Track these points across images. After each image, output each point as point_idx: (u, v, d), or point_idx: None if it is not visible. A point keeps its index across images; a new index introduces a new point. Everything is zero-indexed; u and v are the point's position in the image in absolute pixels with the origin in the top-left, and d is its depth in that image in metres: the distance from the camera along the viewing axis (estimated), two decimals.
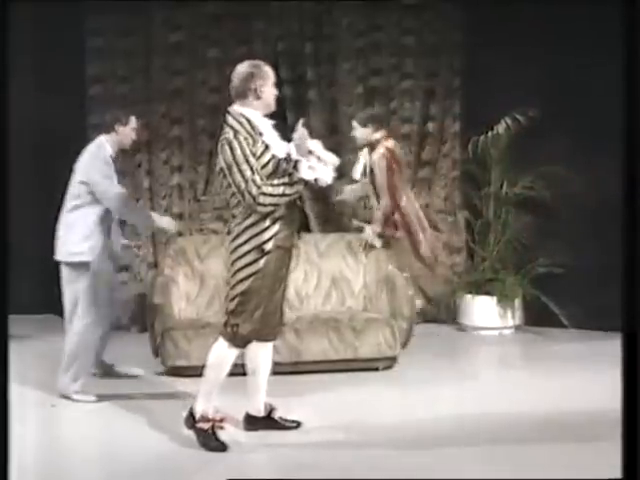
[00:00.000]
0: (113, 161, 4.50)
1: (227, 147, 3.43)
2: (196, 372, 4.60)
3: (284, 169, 3.42)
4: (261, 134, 3.48)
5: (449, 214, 6.50)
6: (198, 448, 3.57)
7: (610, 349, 4.07)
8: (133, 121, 4.60)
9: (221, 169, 3.47)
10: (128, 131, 4.56)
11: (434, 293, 6.37)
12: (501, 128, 6.05)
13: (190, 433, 3.62)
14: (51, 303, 5.72)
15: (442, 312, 6.30)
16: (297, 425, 3.85)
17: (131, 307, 6.24)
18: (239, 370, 3.75)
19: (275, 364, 4.66)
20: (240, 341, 3.55)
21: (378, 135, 5.10)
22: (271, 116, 3.57)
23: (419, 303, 5.59)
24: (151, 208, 6.31)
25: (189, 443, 3.63)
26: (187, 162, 6.37)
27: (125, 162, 6.22)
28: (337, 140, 6.38)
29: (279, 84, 6.15)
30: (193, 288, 5.26)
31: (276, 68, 6.26)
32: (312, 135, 5.76)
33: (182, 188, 6.37)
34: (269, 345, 3.75)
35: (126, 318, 6.26)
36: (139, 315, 5.95)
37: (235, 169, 3.38)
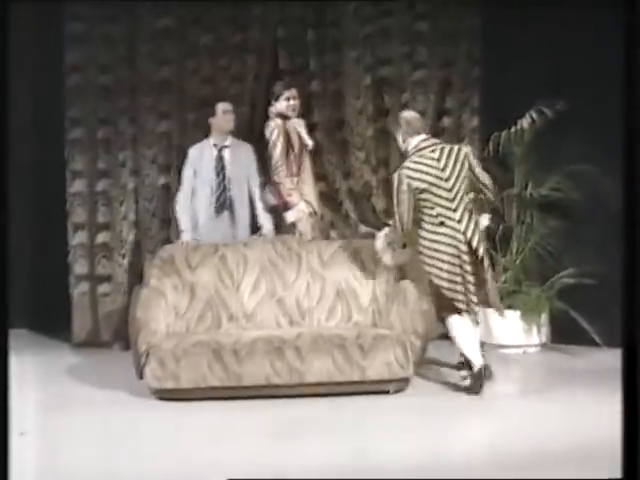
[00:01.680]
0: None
1: None
2: (186, 396, 4.60)
3: None
4: None
5: None
6: None
7: None
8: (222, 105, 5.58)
9: None
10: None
11: None
12: (525, 123, 6.03)
13: None
14: (24, 317, 5.67)
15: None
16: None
17: (114, 322, 6.23)
18: None
19: (273, 387, 4.66)
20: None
21: None
22: None
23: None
24: (136, 212, 6.29)
25: None
26: (176, 161, 6.31)
27: (108, 160, 6.22)
28: (343, 137, 6.33)
29: (278, 75, 6.30)
30: (182, 301, 5.23)
31: (275, 57, 6.33)
32: (315, 131, 5.73)
33: (170, 189, 6.32)
34: None
35: (108, 334, 6.26)
36: (123, 331, 5.88)
37: None
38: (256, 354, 4.68)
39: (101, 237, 6.34)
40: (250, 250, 5.39)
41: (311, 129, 6.00)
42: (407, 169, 4.82)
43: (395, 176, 4.86)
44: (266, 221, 5.68)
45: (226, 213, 5.65)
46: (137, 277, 6.21)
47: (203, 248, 5.39)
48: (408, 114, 5.08)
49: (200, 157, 5.67)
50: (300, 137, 5.68)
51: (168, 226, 6.30)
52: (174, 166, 6.30)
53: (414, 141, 4.90)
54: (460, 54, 6.43)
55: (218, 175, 5.64)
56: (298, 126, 5.70)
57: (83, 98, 6.23)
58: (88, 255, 6.34)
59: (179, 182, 5.77)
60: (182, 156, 6.25)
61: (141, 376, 4.75)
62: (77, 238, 6.32)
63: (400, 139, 4.99)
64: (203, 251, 5.37)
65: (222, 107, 5.67)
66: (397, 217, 4.85)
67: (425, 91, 6.44)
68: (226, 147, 5.69)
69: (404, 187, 4.77)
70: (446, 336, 6.17)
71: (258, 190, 5.71)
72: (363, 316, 5.29)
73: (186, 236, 5.58)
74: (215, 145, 5.69)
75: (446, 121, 6.46)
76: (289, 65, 6.34)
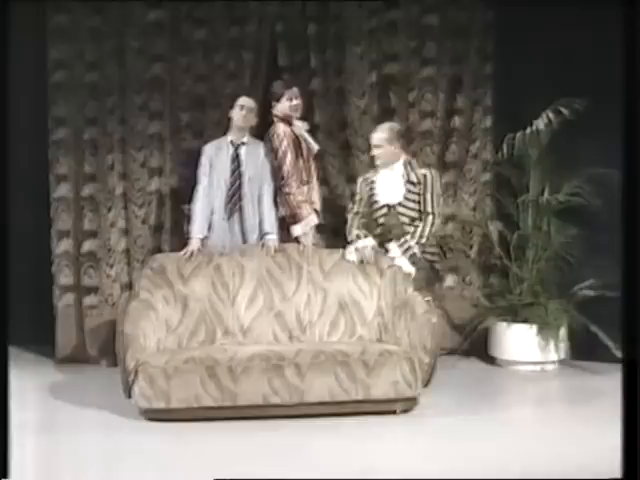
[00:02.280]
0: None
1: None
2: (177, 416, 4.58)
3: None
4: None
5: (479, 226, 6.47)
6: None
7: None
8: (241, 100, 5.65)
9: None
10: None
11: (462, 320, 6.35)
12: (541, 123, 6.01)
13: None
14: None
15: (471, 343, 6.25)
16: None
17: (101, 336, 6.20)
18: None
19: (271, 407, 4.65)
20: None
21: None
22: None
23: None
24: (125, 218, 6.27)
25: None
26: (168, 164, 6.32)
27: (95, 163, 6.20)
28: (346, 138, 6.34)
29: (277, 72, 6.29)
30: (174, 314, 5.23)
31: (274, 54, 6.32)
32: (317, 133, 5.72)
33: (162, 195, 6.31)
34: None
35: (95, 349, 6.23)
36: (110, 346, 5.84)
37: None
38: (253, 371, 4.66)
39: (87, 245, 6.29)
40: (247, 260, 5.39)
41: (312, 130, 6.00)
42: None
43: (433, 173, 5.66)
44: (270, 229, 5.61)
45: (237, 216, 5.62)
46: (126, 288, 6.22)
47: (197, 258, 5.39)
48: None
49: (216, 154, 5.65)
50: (306, 142, 5.67)
51: (159, 234, 6.29)
52: (166, 170, 6.30)
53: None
54: (472, 49, 6.41)
55: (233, 174, 5.62)
56: (301, 129, 5.70)
57: (68, 96, 6.20)
58: (73, 265, 6.30)
59: (191, 181, 5.74)
60: (174, 159, 6.30)
61: (129, 395, 4.74)
62: (61, 246, 6.29)
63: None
64: (197, 261, 5.37)
65: (240, 102, 5.65)
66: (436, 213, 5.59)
67: (434, 89, 6.43)
68: (243, 144, 5.66)
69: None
70: (456, 351, 6.23)
71: (268, 195, 5.65)
72: (368, 330, 5.29)
73: (195, 244, 5.50)
74: (232, 142, 5.67)
75: (457, 121, 6.44)
76: (288, 62, 6.32)
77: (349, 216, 5.72)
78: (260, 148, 5.68)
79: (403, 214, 5.60)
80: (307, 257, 5.44)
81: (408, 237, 5.52)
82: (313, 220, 5.62)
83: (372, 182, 5.67)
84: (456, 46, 6.41)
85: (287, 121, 5.65)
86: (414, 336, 4.91)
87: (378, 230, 5.62)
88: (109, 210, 6.28)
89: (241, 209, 5.61)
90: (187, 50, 6.26)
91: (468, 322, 6.27)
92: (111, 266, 6.28)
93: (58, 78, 6.20)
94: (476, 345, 6.22)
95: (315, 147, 5.74)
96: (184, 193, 6.04)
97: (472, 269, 6.46)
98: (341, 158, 6.36)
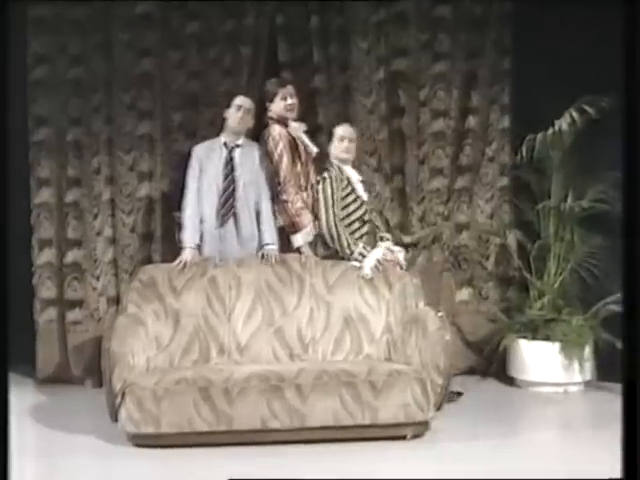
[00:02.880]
0: None
1: None
2: (168, 442, 4.56)
3: None
4: None
5: (496, 235, 6.50)
6: None
7: None
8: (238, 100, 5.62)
9: None
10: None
11: (477, 337, 6.38)
12: (564, 123, 6.03)
13: None
14: None
15: (488, 362, 6.27)
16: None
17: (85, 354, 6.20)
18: None
19: (270, 431, 4.64)
20: None
21: None
22: None
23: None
24: (112, 226, 6.28)
25: None
26: (159, 168, 6.33)
27: (79, 166, 6.20)
28: None
29: (277, 68, 6.29)
30: (165, 331, 5.24)
31: (274, 48, 6.33)
32: (320, 134, 5.73)
33: (153, 201, 6.32)
34: None
35: (79, 369, 6.23)
36: (95, 365, 5.83)
37: None
38: (250, 393, 4.65)
39: (71, 256, 6.30)
40: (244, 271, 5.39)
41: (315, 132, 6.02)
42: None
43: None
44: (271, 240, 5.58)
45: (231, 224, 5.58)
46: (113, 302, 6.23)
47: (190, 269, 5.40)
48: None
49: (207, 156, 5.61)
50: (304, 144, 5.67)
51: (149, 243, 6.29)
52: (157, 173, 6.30)
53: None
54: (488, 43, 6.45)
55: (226, 178, 5.57)
56: (299, 131, 5.69)
57: (50, 93, 6.22)
58: (56, 276, 6.32)
59: (183, 186, 5.68)
60: (166, 162, 6.29)
61: (115, 419, 4.72)
62: (43, 257, 6.30)
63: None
64: (190, 272, 5.38)
65: (237, 101, 5.64)
66: None
67: (447, 86, 6.45)
68: (238, 147, 5.63)
69: None
70: (473, 370, 6.23)
71: (267, 204, 5.62)
72: (375, 348, 5.30)
73: (188, 254, 5.47)
74: (225, 144, 5.63)
75: (472, 121, 6.47)
76: (289, 57, 6.34)
77: (328, 226, 5.47)
78: (256, 151, 5.65)
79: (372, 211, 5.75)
80: (309, 268, 5.44)
81: (385, 235, 5.71)
82: (313, 230, 5.59)
83: (348, 179, 5.59)
84: (471, 39, 6.43)
85: (283, 122, 5.64)
86: (426, 355, 4.90)
87: (363, 230, 5.59)
88: (95, 217, 6.29)
89: (235, 217, 5.57)
90: (179, 44, 6.27)
91: (484, 339, 6.29)
92: (97, 278, 6.28)
93: (39, 74, 6.22)
94: (493, 364, 6.23)
95: (314, 150, 5.73)
96: (176, 199, 6.01)
97: (488, 281, 6.49)
98: None
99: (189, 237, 5.54)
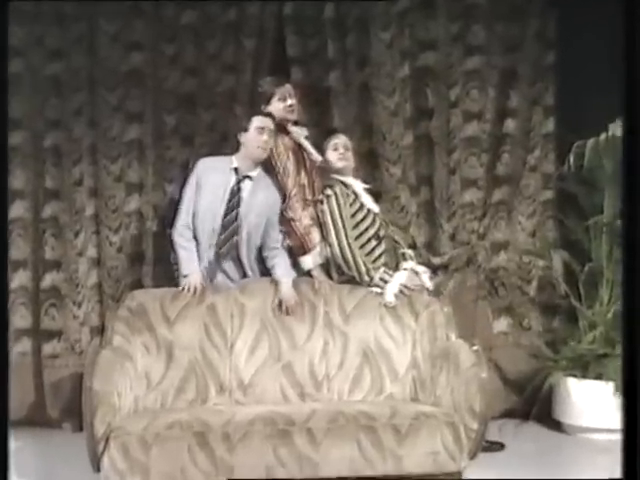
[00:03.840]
0: None
1: None
2: None
3: None
4: None
5: (539, 256, 6.48)
6: None
7: None
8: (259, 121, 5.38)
9: None
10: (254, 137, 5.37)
11: (518, 374, 6.37)
12: (618, 127, 6.01)
13: None
14: None
15: (530, 404, 6.22)
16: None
17: (64, 393, 6.24)
18: None
19: None
20: None
21: None
22: None
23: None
24: (97, 245, 6.32)
25: None
26: (151, 179, 6.35)
27: (59, 176, 6.21)
28: (372, 146, 6.39)
29: (285, 64, 6.29)
30: (157, 366, 5.23)
31: (282, 41, 6.33)
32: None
33: (143, 216, 6.35)
34: None
35: (56, 410, 6.25)
36: (76, 406, 5.83)
37: None
38: (254, 438, 4.62)
39: (49, 279, 6.34)
40: (248, 298, 5.38)
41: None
42: None
43: None
44: (286, 271, 5.50)
45: (228, 265, 5.49)
46: (96, 333, 6.23)
47: (185, 295, 5.37)
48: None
49: (210, 177, 5.41)
50: (307, 151, 5.66)
51: (139, 265, 6.32)
52: (148, 185, 6.33)
53: None
54: (529, 34, 6.48)
55: (229, 213, 5.41)
56: (300, 136, 5.68)
57: (25, 92, 6.26)
58: (31, 303, 6.36)
59: (178, 202, 5.58)
60: (158, 171, 6.29)
61: (98, 469, 4.68)
62: (17, 280, 6.33)
63: None
64: (185, 299, 5.36)
65: (255, 123, 5.40)
66: None
67: (482, 84, 6.48)
68: (249, 179, 5.44)
69: None
70: (513, 413, 6.19)
71: (273, 229, 5.55)
72: (399, 387, 5.30)
73: (197, 278, 5.36)
74: (236, 170, 5.44)
75: (510, 124, 6.50)
76: (300, 51, 6.38)
77: (342, 251, 5.42)
78: (271, 189, 5.49)
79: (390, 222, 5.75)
80: (323, 295, 5.43)
81: (407, 251, 5.64)
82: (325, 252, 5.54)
83: (354, 192, 5.57)
84: (509, 30, 6.47)
85: (282, 127, 5.59)
86: (458, 395, 4.87)
87: (381, 249, 5.54)
88: (76, 235, 6.32)
89: (236, 258, 5.49)
90: (173, 36, 6.31)
91: (526, 377, 6.28)
92: (78, 305, 6.31)
93: (13, 69, 6.18)
94: (537, 406, 6.20)
95: (318, 158, 5.69)
96: (170, 214, 6.00)
97: (531, 310, 6.48)
98: (365, 171, 6.31)
99: (188, 259, 5.44)
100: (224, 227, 5.42)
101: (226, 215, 5.41)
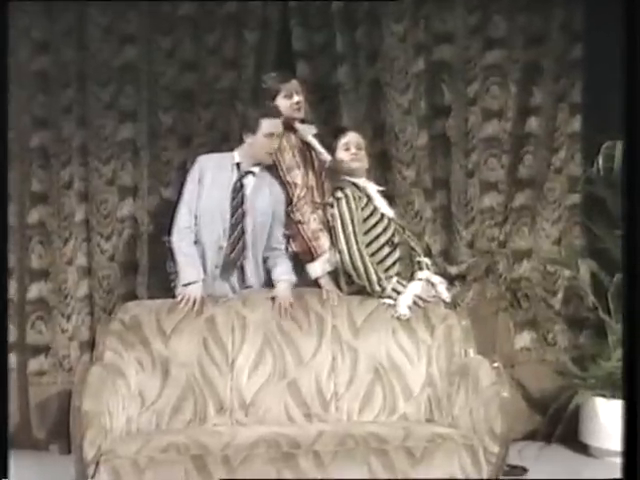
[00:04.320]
0: None
1: None
2: None
3: None
4: None
5: (565, 266, 6.49)
6: None
7: None
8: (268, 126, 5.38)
9: None
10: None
11: (542, 393, 6.37)
12: None
13: None
14: None
15: (555, 425, 6.18)
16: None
17: (51, 413, 6.24)
18: None
19: None
20: None
21: None
22: None
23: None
24: (87, 254, 6.35)
25: None
26: (145, 182, 6.36)
27: (46, 178, 6.20)
28: (384, 147, 6.39)
29: (291, 58, 6.27)
30: (151, 384, 5.23)
31: (287, 35, 6.32)
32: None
33: (137, 222, 6.36)
34: None
35: (43, 431, 6.26)
36: (64, 427, 5.81)
37: None
38: (256, 462, 4.61)
39: (35, 289, 6.34)
40: (250, 310, 5.38)
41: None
42: None
43: None
44: (286, 272, 5.51)
45: (236, 273, 5.49)
46: (87, 348, 6.22)
47: (182, 308, 5.37)
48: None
49: (214, 173, 5.44)
50: (315, 151, 5.64)
51: (133, 275, 6.32)
52: (142, 188, 6.33)
53: None
54: (554, 27, 6.48)
55: (234, 212, 5.42)
56: (308, 134, 5.67)
57: (10, 89, 6.17)
58: (16, 315, 6.34)
59: (175, 205, 5.60)
60: (153, 174, 6.27)
61: None
62: None
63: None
64: (182, 311, 5.36)
65: (265, 128, 5.38)
66: None
67: (503, 80, 6.48)
68: (252, 174, 5.47)
69: None
70: (536, 435, 6.17)
71: (277, 229, 5.56)
72: (414, 407, 5.30)
73: (197, 290, 5.36)
74: (238, 166, 5.47)
75: (533, 123, 6.51)
76: (306, 45, 6.38)
77: (352, 259, 5.41)
78: (276, 185, 5.52)
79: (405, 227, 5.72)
80: (331, 307, 5.42)
81: (424, 259, 5.61)
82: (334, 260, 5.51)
83: (367, 195, 5.56)
84: (532, 22, 6.47)
85: (289, 125, 5.58)
86: (477, 415, 4.87)
87: (395, 256, 5.52)
88: (65, 242, 6.32)
89: (242, 267, 5.48)
90: (169, 29, 6.31)
91: (550, 396, 6.26)
92: (67, 318, 6.31)
93: None
94: (562, 428, 6.17)
95: (327, 157, 5.68)
96: (167, 220, 6.00)
97: (556, 324, 6.48)
98: (377, 173, 6.32)
99: (193, 269, 5.42)
100: (231, 230, 5.43)
101: (232, 215, 5.42)
